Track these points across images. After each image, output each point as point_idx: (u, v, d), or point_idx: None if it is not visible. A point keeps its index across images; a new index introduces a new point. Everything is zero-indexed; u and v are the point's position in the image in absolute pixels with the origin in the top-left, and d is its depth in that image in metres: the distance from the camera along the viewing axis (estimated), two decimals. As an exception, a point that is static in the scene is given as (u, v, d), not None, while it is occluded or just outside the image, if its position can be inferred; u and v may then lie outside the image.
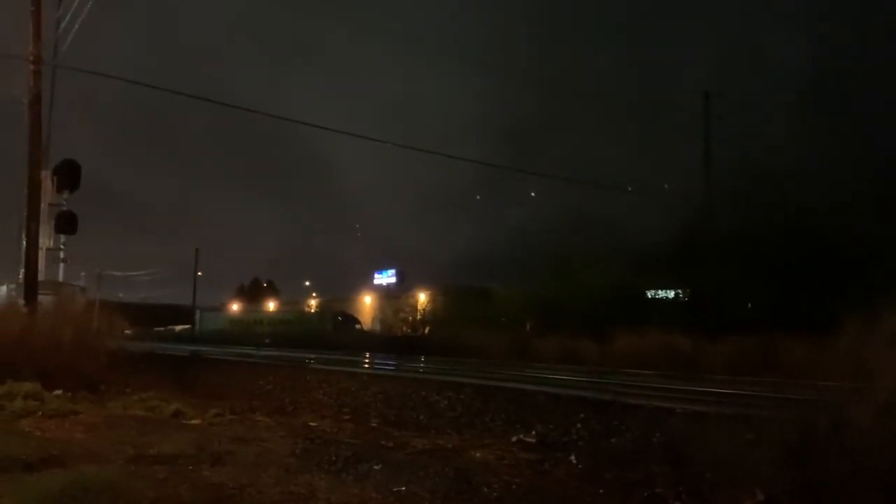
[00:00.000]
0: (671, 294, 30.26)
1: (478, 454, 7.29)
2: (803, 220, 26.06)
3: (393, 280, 65.88)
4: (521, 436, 8.32)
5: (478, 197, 69.62)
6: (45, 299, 15.82)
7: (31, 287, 15.42)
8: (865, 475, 4.65)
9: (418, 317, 44.32)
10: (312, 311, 65.90)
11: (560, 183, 37.91)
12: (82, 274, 43.72)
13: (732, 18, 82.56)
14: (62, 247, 21.06)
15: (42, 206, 16.73)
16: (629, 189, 31.97)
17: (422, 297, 49.97)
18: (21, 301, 15.38)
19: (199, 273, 67.46)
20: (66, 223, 20.35)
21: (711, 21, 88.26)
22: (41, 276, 16.94)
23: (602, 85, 73.85)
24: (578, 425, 8.92)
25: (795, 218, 26.53)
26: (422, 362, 23.74)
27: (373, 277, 67.78)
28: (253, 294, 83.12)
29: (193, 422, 9.31)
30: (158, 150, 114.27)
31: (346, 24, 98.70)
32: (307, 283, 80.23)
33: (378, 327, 52.40)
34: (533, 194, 48.16)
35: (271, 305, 73.72)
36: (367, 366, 21.63)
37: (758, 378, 15.12)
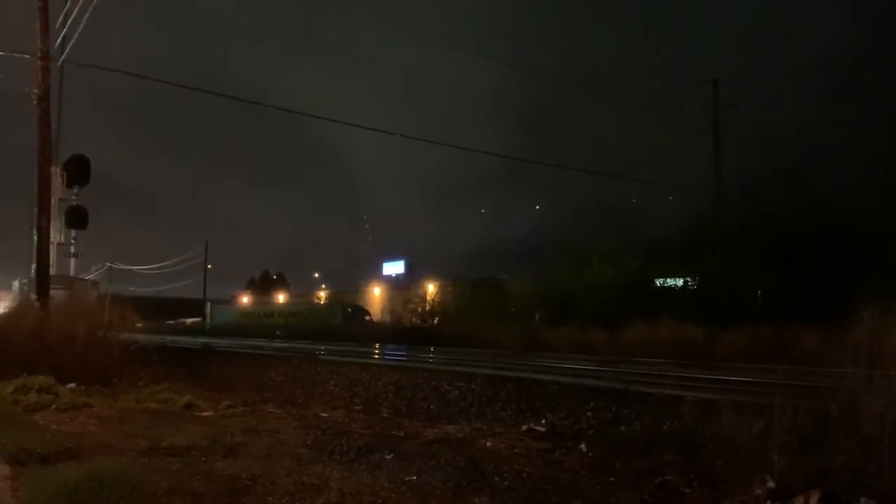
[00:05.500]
0: (680, 282, 30.07)
1: (488, 443, 7.31)
2: (816, 208, 25.82)
3: (402, 271, 65.96)
4: (532, 425, 8.33)
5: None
6: (57, 294, 15.91)
7: (42, 282, 15.51)
8: (879, 463, 4.62)
9: (427, 308, 44.27)
10: (322, 302, 66.01)
11: (572, 173, 37.76)
12: (94, 268, 44.03)
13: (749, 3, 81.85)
14: (73, 241, 21.22)
15: (52, 201, 16.81)
16: (641, 179, 31.80)
17: (431, 288, 49.98)
18: (33, 296, 15.49)
19: (210, 266, 67.79)
20: (77, 218, 20.51)
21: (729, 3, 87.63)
22: (52, 271, 17.04)
23: (617, 73, 73.42)
24: (589, 414, 8.93)
25: (808, 205, 26.28)
26: (432, 353, 23.74)
27: (381, 268, 67.95)
28: (263, 287, 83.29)
29: (206, 414, 9.37)
30: (169, 143, 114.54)
31: (354, 14, 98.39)
32: (317, 276, 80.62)
33: (387, 318, 52.46)
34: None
35: (281, 298, 73.91)
36: (377, 357, 21.65)
37: (770, 366, 15.01)
